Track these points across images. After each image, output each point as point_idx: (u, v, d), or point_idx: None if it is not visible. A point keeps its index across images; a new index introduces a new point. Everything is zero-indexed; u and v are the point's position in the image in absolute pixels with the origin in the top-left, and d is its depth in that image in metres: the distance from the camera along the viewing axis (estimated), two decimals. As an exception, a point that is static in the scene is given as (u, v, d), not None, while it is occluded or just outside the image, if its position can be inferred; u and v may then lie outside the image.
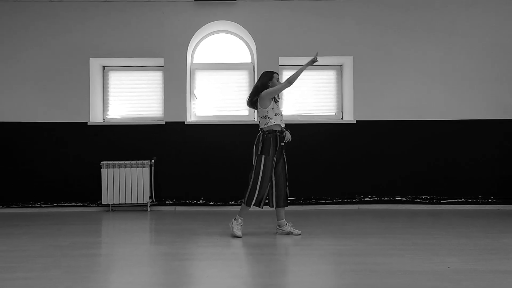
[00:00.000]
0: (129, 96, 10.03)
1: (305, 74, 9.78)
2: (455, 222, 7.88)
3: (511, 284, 4.38)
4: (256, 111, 6.89)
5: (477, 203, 9.51)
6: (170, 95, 9.49)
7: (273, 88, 6.67)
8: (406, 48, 9.55)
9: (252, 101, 6.86)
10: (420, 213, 8.88)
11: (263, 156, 6.55)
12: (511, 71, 9.51)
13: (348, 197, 9.55)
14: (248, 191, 6.62)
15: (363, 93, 9.50)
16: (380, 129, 9.51)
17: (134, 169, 9.21)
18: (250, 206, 6.63)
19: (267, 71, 6.95)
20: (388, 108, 9.51)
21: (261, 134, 6.67)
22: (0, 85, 9.41)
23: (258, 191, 6.56)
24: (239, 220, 6.68)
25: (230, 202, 9.46)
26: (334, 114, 10.05)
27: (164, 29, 9.54)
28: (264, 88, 6.74)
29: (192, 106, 9.93)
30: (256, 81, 7.41)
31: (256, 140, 6.72)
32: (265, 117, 6.67)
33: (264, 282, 4.43)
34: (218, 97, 9.98)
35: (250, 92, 7.07)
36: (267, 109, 6.65)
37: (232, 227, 6.64)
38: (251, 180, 6.61)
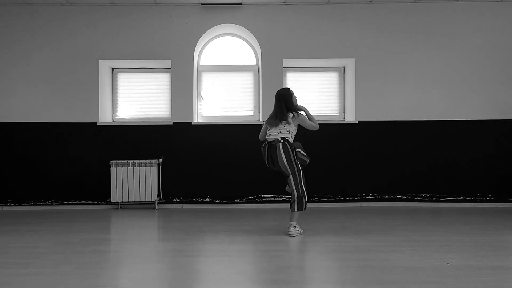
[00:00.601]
0: (138, 97, 10.04)
1: (308, 76, 9.87)
2: (454, 220, 7.88)
3: (508, 279, 4.40)
4: (278, 127, 6.73)
5: (476, 201, 9.51)
6: (177, 96, 9.51)
7: (311, 123, 6.92)
8: (407, 51, 9.56)
9: (282, 119, 6.75)
10: (420, 210, 8.88)
11: (298, 161, 6.63)
12: (509, 72, 9.52)
13: (350, 195, 9.56)
14: (306, 197, 6.62)
15: (364, 94, 9.50)
16: (381, 129, 9.52)
17: (142, 168, 9.23)
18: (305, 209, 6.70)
19: (285, 89, 6.96)
20: (389, 108, 9.51)
21: (287, 143, 6.64)
22: (13, 86, 9.45)
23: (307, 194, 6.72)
24: (296, 225, 6.69)
25: (236, 200, 9.48)
26: (337, 114, 10.06)
27: (171, 32, 9.56)
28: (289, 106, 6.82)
29: (199, 107, 9.93)
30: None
31: (284, 149, 6.53)
32: (290, 133, 6.67)
33: (269, 278, 4.44)
34: (224, 98, 9.99)
35: (278, 112, 6.79)
36: (295, 128, 6.75)
37: (296, 232, 6.62)
38: (304, 186, 6.62)
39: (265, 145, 6.73)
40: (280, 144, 6.58)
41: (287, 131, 6.66)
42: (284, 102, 6.78)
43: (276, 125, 6.70)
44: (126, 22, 9.53)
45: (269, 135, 6.71)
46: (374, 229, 6.98)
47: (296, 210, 6.57)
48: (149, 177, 9.25)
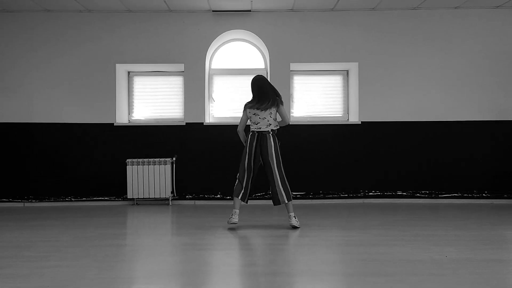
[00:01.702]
0: (152, 99, 10.08)
1: (314, 79, 9.86)
2: (452, 215, 7.89)
3: (503, 271, 4.41)
4: (268, 111, 6.66)
5: (472, 197, 9.50)
6: (190, 98, 9.54)
7: (286, 114, 6.84)
8: (408, 55, 9.55)
9: (273, 104, 6.66)
10: (420, 206, 8.87)
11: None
12: (505, 76, 9.49)
13: (353, 192, 9.56)
14: (287, 186, 6.67)
15: (367, 97, 9.50)
16: (383, 130, 9.51)
17: (157, 166, 9.25)
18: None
19: (262, 75, 6.93)
20: (391, 110, 9.51)
21: (275, 135, 6.69)
22: (35, 89, 9.50)
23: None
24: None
25: (245, 197, 9.44)
26: (341, 115, 10.05)
27: (184, 37, 9.58)
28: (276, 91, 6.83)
29: (210, 108, 9.96)
30: (262, 84, 6.76)
31: (273, 140, 6.61)
32: (275, 122, 6.71)
33: (276, 270, 4.44)
34: (234, 99, 10.00)
35: (266, 98, 6.64)
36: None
37: (297, 222, 6.65)
38: (284, 176, 6.70)
39: (254, 134, 6.64)
40: (271, 135, 6.62)
41: (274, 120, 6.68)
42: (270, 87, 6.82)
43: (264, 115, 6.61)
44: (141, 28, 9.56)
45: (259, 128, 6.62)
46: (377, 224, 6.98)
47: (290, 200, 6.58)
48: (163, 175, 9.27)
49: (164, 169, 9.29)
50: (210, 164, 9.53)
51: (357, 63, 9.59)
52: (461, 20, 9.57)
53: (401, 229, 6.54)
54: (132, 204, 9.42)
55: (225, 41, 10.09)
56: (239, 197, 6.64)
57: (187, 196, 9.55)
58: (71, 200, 9.51)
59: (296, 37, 9.60)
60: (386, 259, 4.80)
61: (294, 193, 9.34)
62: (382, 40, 9.59)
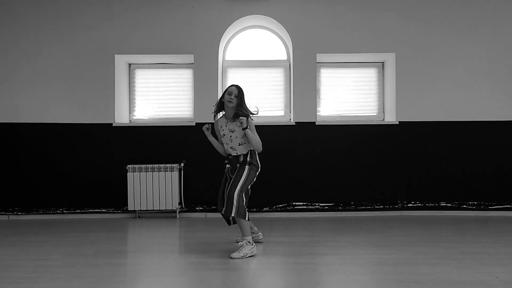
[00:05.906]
0: (157, 96, 10.12)
1: (344, 73, 9.86)
2: (504, 230, 7.88)
3: None
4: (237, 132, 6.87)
5: (528, 209, 9.48)
6: (200, 94, 9.55)
7: (251, 132, 6.92)
8: (452, 45, 9.53)
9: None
10: (466, 220, 8.87)
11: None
12: None
13: (390, 203, 9.56)
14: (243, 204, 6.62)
15: (406, 93, 9.50)
16: (424, 131, 9.51)
17: (162, 173, 9.28)
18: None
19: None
20: (433, 108, 9.50)
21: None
22: (21, 84, 9.56)
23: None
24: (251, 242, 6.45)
25: (264, 208, 9.49)
26: (375, 114, 10.07)
27: (194, 24, 9.62)
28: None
29: (224, 106, 9.97)
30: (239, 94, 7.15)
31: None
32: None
33: (300, 292, 4.48)
34: (251, 96, 9.96)
35: (242, 104, 7.09)
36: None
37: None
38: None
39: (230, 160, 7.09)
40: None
41: (243, 142, 6.98)
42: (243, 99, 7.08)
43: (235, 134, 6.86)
44: (144, 13, 9.62)
45: (233, 150, 7.05)
46: (417, 240, 7.02)
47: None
48: (170, 183, 9.29)
49: (171, 177, 9.32)
50: (223, 171, 9.50)
51: (394, 54, 9.58)
52: (512, 3, 9.56)
53: (444, 246, 6.58)
54: (134, 217, 9.48)
55: (241, 29, 10.14)
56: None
57: (197, 208, 9.59)
58: (63, 213, 9.58)
59: (323, 24, 9.61)
60: (428, 280, 4.85)
61: (321, 204, 9.39)
62: (423, 28, 9.58)
